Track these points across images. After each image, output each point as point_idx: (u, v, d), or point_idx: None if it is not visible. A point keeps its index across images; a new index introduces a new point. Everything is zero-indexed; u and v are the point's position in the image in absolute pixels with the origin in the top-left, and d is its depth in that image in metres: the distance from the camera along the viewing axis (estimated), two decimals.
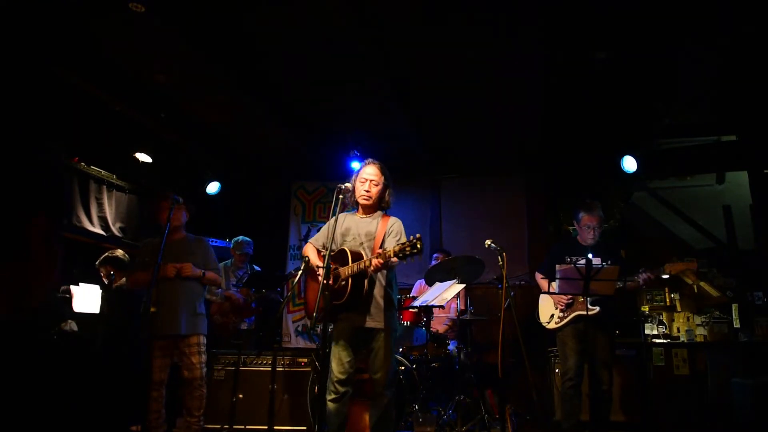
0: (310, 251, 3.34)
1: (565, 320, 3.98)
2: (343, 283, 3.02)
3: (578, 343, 3.89)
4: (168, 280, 3.70)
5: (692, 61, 4.26)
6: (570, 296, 3.92)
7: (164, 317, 3.65)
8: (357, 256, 3.03)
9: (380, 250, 2.88)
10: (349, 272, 2.99)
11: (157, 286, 3.57)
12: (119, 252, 4.91)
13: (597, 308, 3.82)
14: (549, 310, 4.15)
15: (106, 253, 4.88)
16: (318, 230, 3.61)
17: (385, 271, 3.12)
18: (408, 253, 2.75)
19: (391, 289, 3.20)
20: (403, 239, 3.16)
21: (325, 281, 2.76)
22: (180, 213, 3.94)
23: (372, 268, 2.89)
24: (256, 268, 5.79)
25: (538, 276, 4.29)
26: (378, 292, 3.12)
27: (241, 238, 5.70)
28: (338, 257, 3.10)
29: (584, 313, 3.80)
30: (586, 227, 4.04)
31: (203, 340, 3.84)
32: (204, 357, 3.83)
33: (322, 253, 3.27)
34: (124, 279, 4.68)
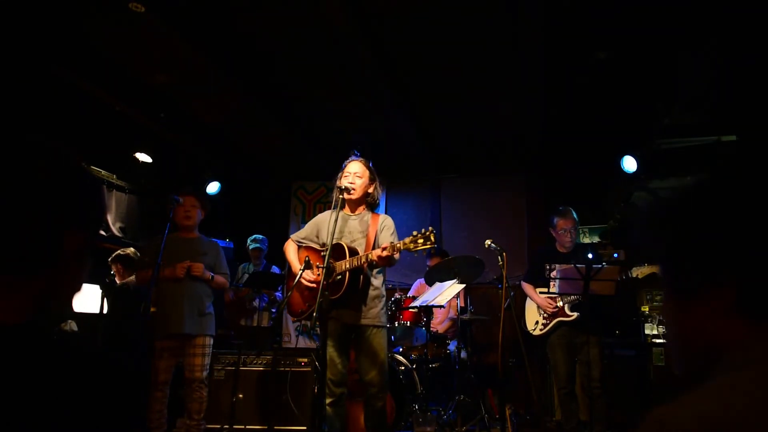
0: (290, 249, 3.38)
1: (549, 327, 4.06)
2: (339, 277, 3.00)
3: (566, 349, 3.98)
4: (175, 279, 3.66)
5: (692, 61, 4.25)
6: (556, 306, 4.03)
7: (170, 317, 3.61)
8: (354, 252, 3.04)
9: (390, 242, 2.87)
10: (347, 266, 2.97)
11: (159, 285, 3.56)
12: (130, 250, 4.98)
13: (576, 314, 3.91)
14: (533, 317, 4.23)
15: (118, 251, 4.96)
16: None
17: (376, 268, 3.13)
18: (420, 245, 2.74)
19: (381, 285, 3.22)
20: (395, 235, 3.20)
21: (325, 281, 2.76)
22: (195, 211, 3.90)
23: (375, 258, 2.85)
24: (275, 269, 5.79)
25: (524, 284, 4.34)
26: (371, 287, 3.13)
27: (254, 236, 5.82)
28: (333, 252, 3.10)
29: (565, 319, 3.96)
30: (563, 231, 4.14)
31: (209, 341, 3.79)
32: (207, 359, 3.77)
33: (319, 251, 3.27)
34: (133, 277, 4.73)
